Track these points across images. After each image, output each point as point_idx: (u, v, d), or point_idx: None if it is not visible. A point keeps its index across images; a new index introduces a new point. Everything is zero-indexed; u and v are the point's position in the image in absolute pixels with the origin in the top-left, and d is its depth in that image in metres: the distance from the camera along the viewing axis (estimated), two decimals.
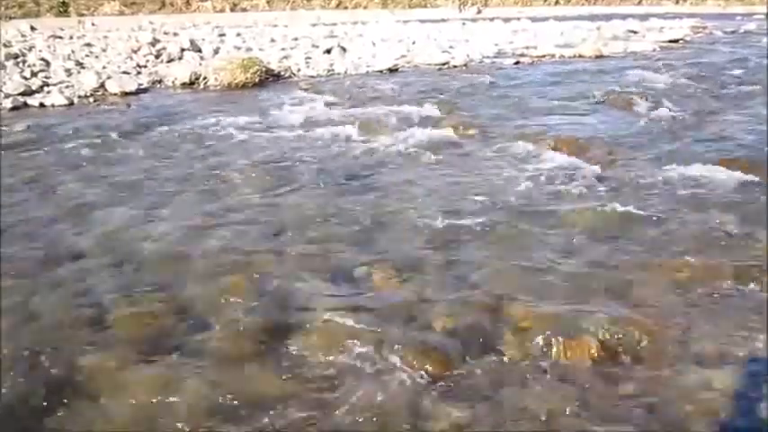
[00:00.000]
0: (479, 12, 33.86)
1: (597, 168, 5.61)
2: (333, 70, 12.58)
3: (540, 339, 2.97)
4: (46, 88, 9.67)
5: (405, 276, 3.63)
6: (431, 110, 8.27)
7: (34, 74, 10.32)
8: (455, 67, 13.14)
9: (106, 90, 10.04)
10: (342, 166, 5.90)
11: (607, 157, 5.98)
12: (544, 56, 14.71)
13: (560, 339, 2.96)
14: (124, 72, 11.14)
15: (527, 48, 15.90)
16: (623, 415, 2.52)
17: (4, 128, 7.45)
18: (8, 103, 8.71)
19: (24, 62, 11.01)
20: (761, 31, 20.80)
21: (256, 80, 10.94)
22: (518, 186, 5.18)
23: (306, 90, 10.33)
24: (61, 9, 24.94)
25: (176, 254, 3.97)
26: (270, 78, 11.36)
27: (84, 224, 4.47)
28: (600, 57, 14.43)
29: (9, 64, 10.59)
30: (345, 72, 12.47)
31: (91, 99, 9.54)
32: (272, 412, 2.53)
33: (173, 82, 10.96)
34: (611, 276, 3.63)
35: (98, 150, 6.50)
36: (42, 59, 11.35)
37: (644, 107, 8.27)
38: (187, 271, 3.74)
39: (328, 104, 8.96)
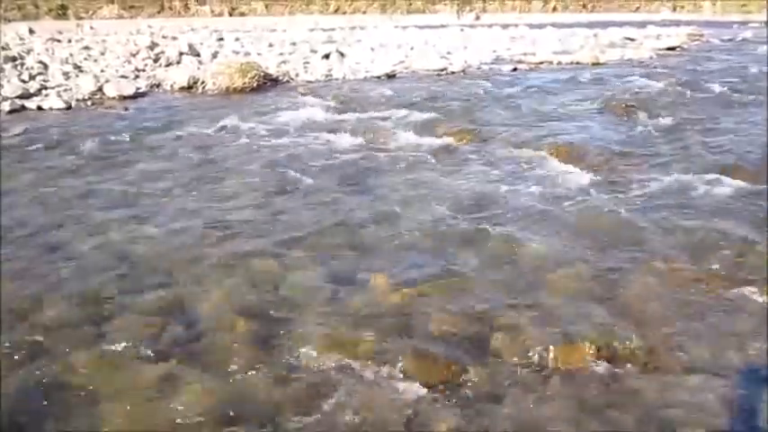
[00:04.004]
0: (478, 18, 34.03)
1: (595, 175, 5.62)
2: (331, 75, 12.61)
3: (537, 345, 2.96)
4: (44, 91, 9.68)
5: (404, 282, 3.62)
6: (429, 116, 8.28)
7: (32, 77, 10.34)
8: (453, 73, 13.17)
9: (104, 94, 10.05)
10: (340, 171, 5.90)
11: (605, 164, 5.99)
12: (542, 62, 14.77)
13: (558, 345, 2.95)
14: (122, 76, 11.16)
15: (525, 54, 15.97)
16: (621, 421, 2.52)
17: (1, 131, 7.44)
18: (6, 107, 8.71)
19: (23, 65, 11.03)
20: (757, 38, 20.92)
21: (254, 85, 10.97)
22: (516, 192, 5.18)
23: (304, 95, 10.36)
24: (60, 12, 24.98)
25: (175, 257, 3.96)
26: (268, 83, 11.38)
27: (83, 227, 4.46)
28: (597, 64, 14.49)
29: (7, 67, 10.60)
30: (344, 77, 12.50)
31: (89, 103, 9.56)
32: (269, 417, 2.53)
33: (171, 86, 10.98)
34: (610, 282, 3.63)
35: (96, 154, 6.50)
36: (40, 62, 11.37)
37: (641, 114, 8.29)
38: (185, 275, 3.73)
39: (326, 109, 8.97)
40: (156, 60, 12.76)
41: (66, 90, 9.85)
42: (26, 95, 9.31)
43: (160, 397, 2.64)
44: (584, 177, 5.58)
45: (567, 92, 10.45)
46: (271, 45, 16.26)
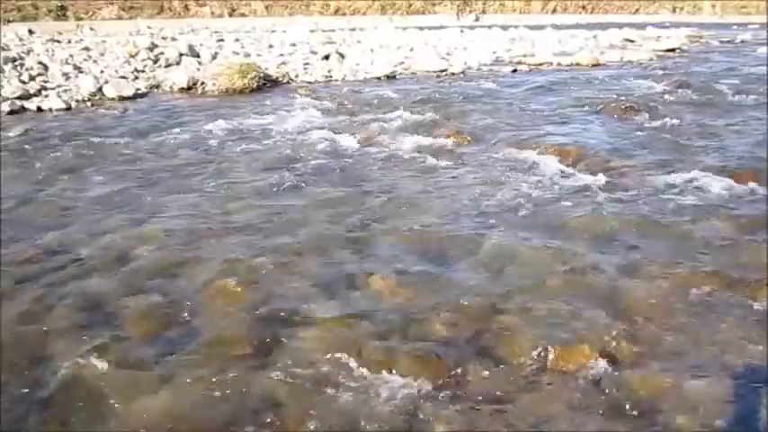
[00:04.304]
0: (477, 19, 34.09)
1: (594, 176, 5.62)
2: (331, 76, 12.62)
3: (537, 345, 2.97)
4: (44, 92, 9.68)
5: (402, 282, 3.62)
6: (428, 117, 8.29)
7: (32, 78, 10.34)
8: (453, 74, 13.19)
9: (104, 94, 10.05)
10: (339, 172, 5.91)
11: (604, 165, 5.99)
12: (542, 64, 14.79)
13: (557, 346, 2.96)
14: (122, 77, 11.16)
15: (525, 56, 16.00)
16: (620, 421, 2.52)
17: (1, 132, 7.44)
18: (6, 107, 8.70)
19: (22, 66, 11.03)
20: (756, 40, 20.95)
21: (254, 86, 10.96)
22: (515, 193, 5.18)
23: (304, 96, 10.36)
24: (59, 13, 25.00)
25: (174, 258, 3.96)
26: (268, 84, 11.38)
27: (82, 228, 4.46)
28: (597, 65, 14.51)
29: (7, 68, 10.60)
30: (343, 78, 12.51)
31: (89, 103, 9.55)
32: (268, 418, 2.53)
33: (170, 87, 10.98)
34: (609, 282, 3.63)
35: (95, 155, 6.50)
36: (40, 63, 11.38)
37: (641, 116, 8.31)
38: (184, 275, 3.74)
39: (326, 110, 8.98)
40: (155, 61, 12.76)
41: (65, 91, 9.85)
42: (26, 96, 9.30)
43: (158, 398, 2.64)
44: (583, 178, 5.58)
45: (567, 93, 10.46)
46: (271, 46, 16.29)
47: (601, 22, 30.72)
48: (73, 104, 9.34)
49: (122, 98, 9.95)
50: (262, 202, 5.05)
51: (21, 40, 14.81)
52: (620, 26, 25.35)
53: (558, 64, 14.72)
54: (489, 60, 15.25)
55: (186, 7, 30.31)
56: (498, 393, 2.69)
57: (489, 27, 25.65)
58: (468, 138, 7.24)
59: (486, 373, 2.82)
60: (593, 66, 14.42)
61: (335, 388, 2.71)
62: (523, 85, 11.57)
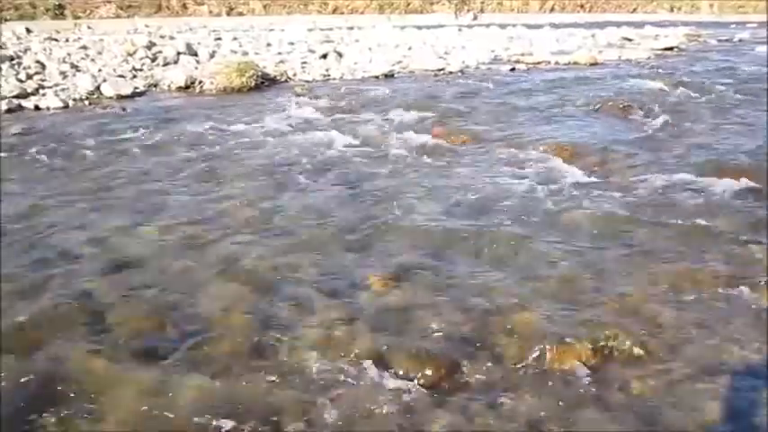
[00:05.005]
0: (475, 18, 34.06)
1: (591, 175, 5.63)
2: (329, 75, 12.61)
3: (534, 345, 2.96)
4: (41, 91, 9.65)
5: (401, 282, 3.63)
6: (426, 115, 8.28)
7: (30, 76, 10.31)
8: (451, 73, 13.18)
9: (101, 93, 10.02)
10: (337, 171, 5.90)
11: (601, 164, 6.00)
12: (540, 63, 14.79)
13: (555, 345, 2.96)
14: (120, 75, 11.13)
15: (523, 54, 16.00)
16: (620, 421, 2.53)
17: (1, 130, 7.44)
18: (3, 106, 8.68)
19: (20, 64, 11.00)
20: (754, 39, 20.97)
21: (252, 84, 10.95)
22: (512, 192, 5.19)
23: (301, 95, 10.35)
24: (57, 12, 24.94)
25: (170, 258, 3.96)
26: (266, 83, 11.37)
27: (80, 227, 4.46)
28: (595, 64, 14.52)
29: (5, 66, 10.58)
30: (341, 77, 12.50)
31: (86, 102, 9.53)
32: (265, 418, 2.53)
33: (168, 86, 10.95)
34: (606, 282, 3.63)
35: (93, 154, 6.49)
36: (38, 62, 11.35)
37: (638, 115, 8.32)
38: (182, 276, 3.73)
39: (324, 109, 8.97)
40: (153, 60, 12.74)
41: (63, 89, 9.83)
42: (23, 95, 9.28)
43: (157, 398, 2.64)
44: (581, 177, 5.58)
45: (565, 92, 10.46)
46: (269, 45, 16.26)
47: (599, 21, 30.75)
48: (70, 103, 9.31)
49: (120, 97, 9.93)
50: (259, 202, 5.05)
51: (18, 38, 14.77)
52: (618, 25, 25.38)
53: (556, 63, 14.73)
54: (487, 59, 15.24)
55: (184, 6, 30.25)
56: (498, 392, 2.69)
57: (487, 26, 25.66)
58: (466, 136, 7.24)
59: (486, 372, 2.82)
60: (592, 64, 14.42)
61: (335, 388, 2.71)
62: (521, 83, 11.57)
